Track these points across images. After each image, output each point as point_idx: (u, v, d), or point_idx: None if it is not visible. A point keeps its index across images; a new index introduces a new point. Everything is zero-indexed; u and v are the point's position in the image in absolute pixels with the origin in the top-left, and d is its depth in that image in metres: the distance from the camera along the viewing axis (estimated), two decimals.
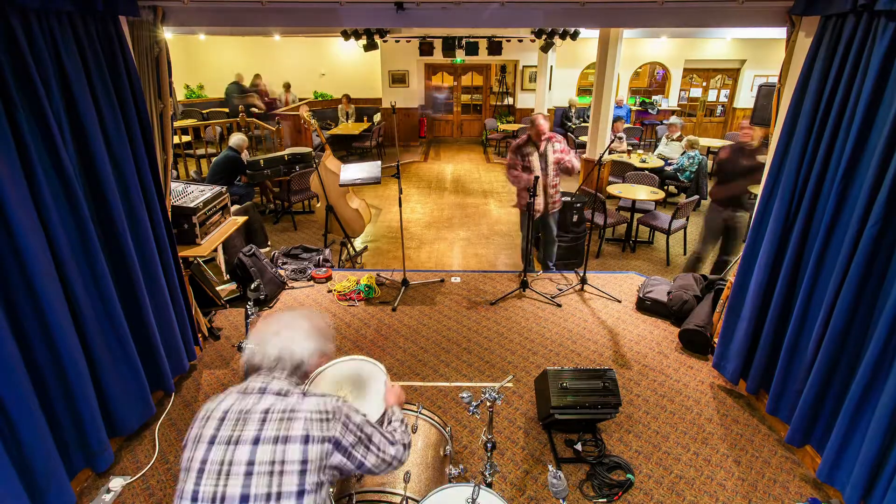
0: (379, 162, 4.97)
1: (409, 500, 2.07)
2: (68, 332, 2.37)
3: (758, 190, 3.40)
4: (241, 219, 4.40)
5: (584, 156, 7.37)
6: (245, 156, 6.52)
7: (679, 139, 7.79)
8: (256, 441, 1.27)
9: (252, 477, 1.23)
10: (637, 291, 4.63)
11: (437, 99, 12.61)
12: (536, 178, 4.19)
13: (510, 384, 3.47)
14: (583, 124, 10.27)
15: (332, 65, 12.36)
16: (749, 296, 3.17)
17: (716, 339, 3.62)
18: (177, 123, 8.09)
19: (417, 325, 4.23)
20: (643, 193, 5.86)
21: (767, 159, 3.15)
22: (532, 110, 11.74)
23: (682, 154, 7.23)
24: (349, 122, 11.05)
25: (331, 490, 1.77)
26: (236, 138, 6.24)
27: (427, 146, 12.25)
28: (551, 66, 11.04)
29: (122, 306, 2.76)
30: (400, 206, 4.62)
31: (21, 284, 2.18)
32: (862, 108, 2.35)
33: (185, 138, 8.25)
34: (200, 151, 8.38)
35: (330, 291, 4.74)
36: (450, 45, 7.63)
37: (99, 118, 2.62)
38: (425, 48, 8.34)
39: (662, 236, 5.85)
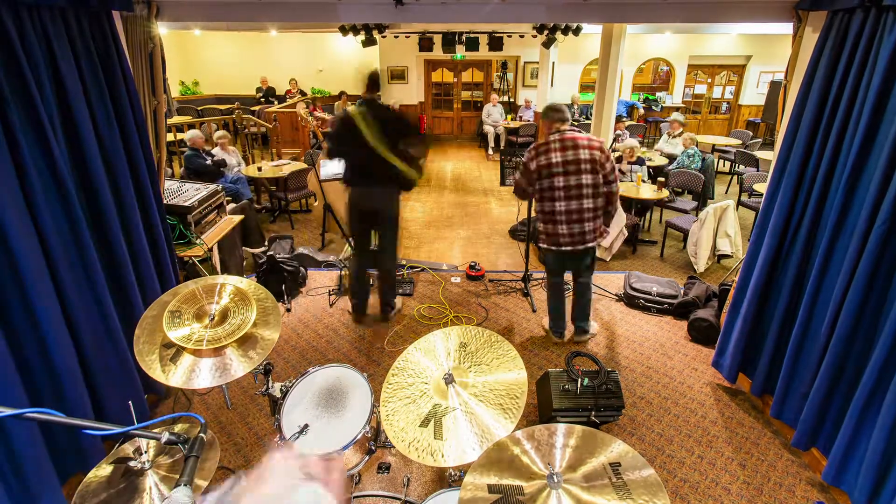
0: None
1: None
2: (60, 333, 2.32)
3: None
4: (237, 217, 4.35)
5: None
6: (222, 151, 6.39)
7: (680, 135, 7.73)
8: None
9: None
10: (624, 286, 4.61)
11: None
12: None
13: None
14: (585, 121, 10.20)
15: (329, 61, 12.27)
16: (748, 293, 3.13)
17: None
18: (171, 120, 8.05)
19: (416, 326, 4.18)
20: (648, 192, 5.79)
21: (773, 156, 3.09)
22: None
23: (682, 152, 7.16)
24: None
25: None
26: (187, 134, 5.98)
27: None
28: (553, 63, 10.96)
29: (115, 307, 2.71)
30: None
31: (13, 285, 2.13)
32: (870, 105, 2.30)
33: (180, 136, 8.20)
34: None
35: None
36: (450, 41, 7.55)
37: (91, 115, 2.56)
38: (425, 44, 8.27)
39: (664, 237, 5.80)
